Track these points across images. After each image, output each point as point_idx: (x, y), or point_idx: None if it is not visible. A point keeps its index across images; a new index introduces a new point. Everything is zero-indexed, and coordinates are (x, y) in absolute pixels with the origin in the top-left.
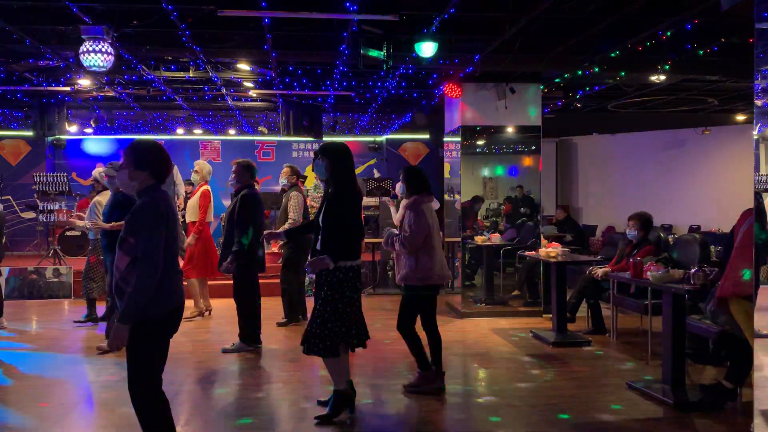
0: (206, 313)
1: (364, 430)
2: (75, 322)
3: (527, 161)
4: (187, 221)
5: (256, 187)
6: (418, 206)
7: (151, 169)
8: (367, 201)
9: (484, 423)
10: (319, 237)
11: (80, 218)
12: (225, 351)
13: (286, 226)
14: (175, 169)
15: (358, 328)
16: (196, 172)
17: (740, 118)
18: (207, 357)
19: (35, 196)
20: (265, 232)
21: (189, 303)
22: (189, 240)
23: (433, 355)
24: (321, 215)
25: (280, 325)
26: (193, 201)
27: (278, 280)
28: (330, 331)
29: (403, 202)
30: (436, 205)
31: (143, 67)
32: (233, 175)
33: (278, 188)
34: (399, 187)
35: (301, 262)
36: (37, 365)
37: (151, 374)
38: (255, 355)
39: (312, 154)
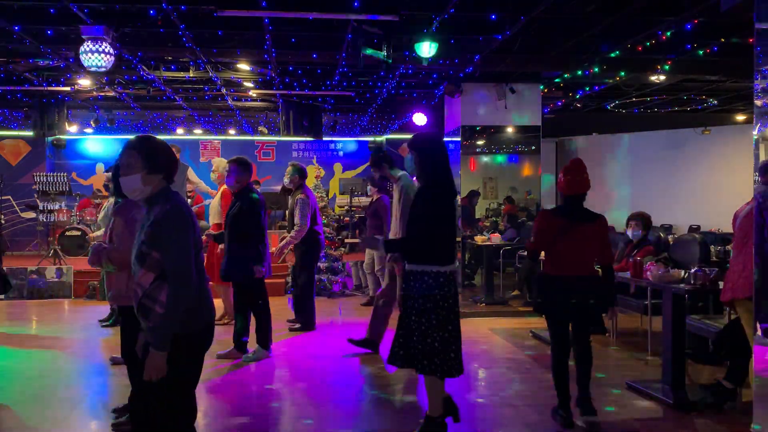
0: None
1: None
2: (100, 321)
3: (527, 161)
4: (210, 224)
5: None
6: (128, 213)
7: (165, 171)
8: (367, 201)
9: (484, 423)
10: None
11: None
12: (246, 359)
13: (293, 233)
14: (190, 170)
15: (457, 351)
16: (213, 171)
17: (740, 118)
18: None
19: (35, 196)
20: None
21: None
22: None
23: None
24: (412, 213)
25: (292, 330)
26: (215, 202)
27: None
28: (438, 345)
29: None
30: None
31: (143, 67)
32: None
33: (278, 188)
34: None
35: (314, 266)
36: (37, 366)
37: (184, 399)
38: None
39: (311, 154)
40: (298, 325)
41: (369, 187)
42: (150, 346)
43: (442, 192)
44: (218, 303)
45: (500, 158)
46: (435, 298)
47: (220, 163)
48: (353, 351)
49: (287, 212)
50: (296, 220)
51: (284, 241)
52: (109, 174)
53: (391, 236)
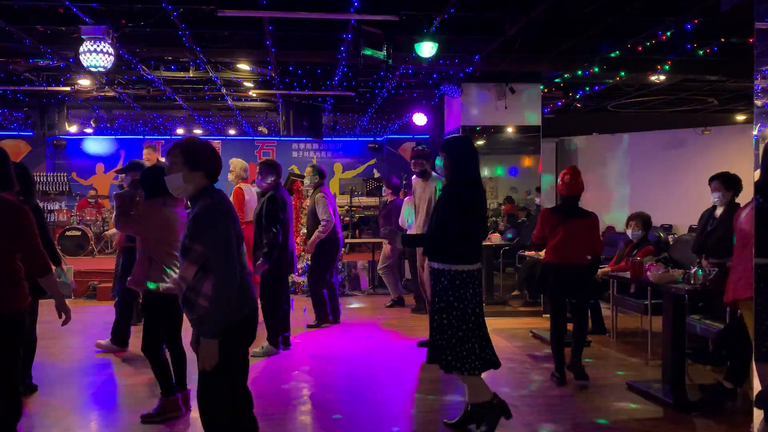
0: None
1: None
2: None
3: (527, 161)
4: None
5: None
6: (154, 208)
7: (205, 169)
8: (367, 201)
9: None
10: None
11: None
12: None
13: (321, 228)
14: None
15: (481, 347)
16: (231, 171)
17: (740, 118)
18: None
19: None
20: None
21: None
22: None
23: (178, 375)
24: (434, 211)
25: (310, 327)
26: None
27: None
28: (456, 342)
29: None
30: None
31: (143, 67)
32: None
33: None
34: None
35: (327, 265)
36: (36, 366)
37: (233, 387)
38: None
39: (311, 154)
40: (314, 322)
41: (384, 188)
42: (200, 336)
43: (470, 193)
44: None
45: (500, 158)
46: (448, 299)
47: (237, 164)
48: (352, 349)
49: (307, 213)
50: (321, 215)
51: (313, 237)
52: (121, 176)
53: (415, 230)
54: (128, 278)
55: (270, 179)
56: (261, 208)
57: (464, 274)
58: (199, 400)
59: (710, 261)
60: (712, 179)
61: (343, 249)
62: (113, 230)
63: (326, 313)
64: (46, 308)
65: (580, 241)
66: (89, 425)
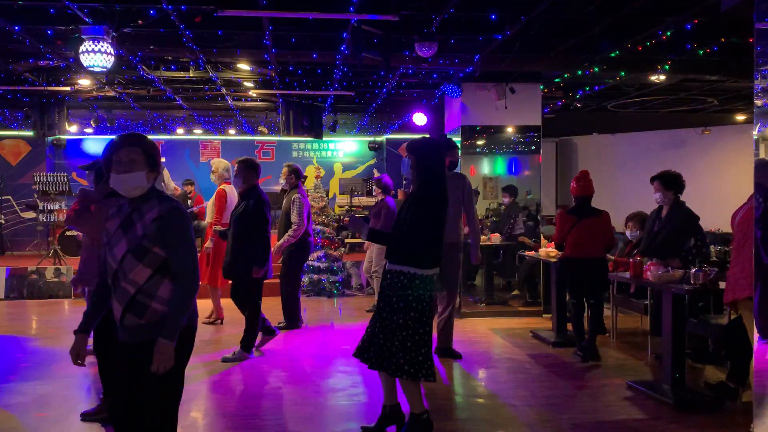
0: (218, 321)
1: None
2: None
3: (527, 161)
4: (206, 222)
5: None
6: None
7: (158, 170)
8: (367, 201)
9: (484, 423)
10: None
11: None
12: (225, 360)
13: (291, 232)
14: (165, 171)
15: (426, 354)
16: (213, 172)
17: (740, 118)
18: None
19: (35, 196)
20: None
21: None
22: (207, 244)
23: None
24: (400, 213)
25: (281, 328)
26: (210, 201)
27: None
28: (411, 346)
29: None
30: None
31: (143, 67)
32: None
33: (278, 188)
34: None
35: (300, 269)
36: (36, 366)
37: (178, 393)
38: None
39: (311, 154)
40: (283, 323)
41: (374, 188)
42: (159, 337)
43: (433, 197)
44: (208, 303)
45: (500, 158)
46: (407, 299)
47: (220, 164)
48: (350, 349)
49: (281, 213)
50: (293, 218)
51: (282, 240)
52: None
53: None
54: (73, 277)
55: (253, 180)
56: (245, 210)
57: (423, 276)
58: (143, 412)
59: (658, 262)
60: (653, 179)
61: (343, 249)
62: None
63: (298, 318)
64: (47, 308)
65: (593, 237)
66: (88, 426)
